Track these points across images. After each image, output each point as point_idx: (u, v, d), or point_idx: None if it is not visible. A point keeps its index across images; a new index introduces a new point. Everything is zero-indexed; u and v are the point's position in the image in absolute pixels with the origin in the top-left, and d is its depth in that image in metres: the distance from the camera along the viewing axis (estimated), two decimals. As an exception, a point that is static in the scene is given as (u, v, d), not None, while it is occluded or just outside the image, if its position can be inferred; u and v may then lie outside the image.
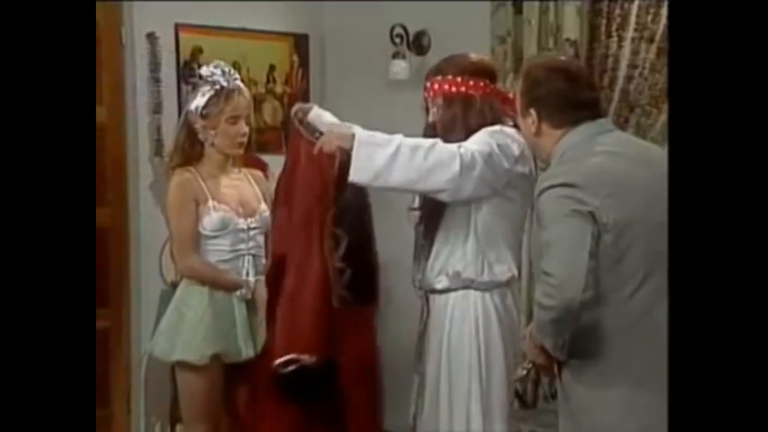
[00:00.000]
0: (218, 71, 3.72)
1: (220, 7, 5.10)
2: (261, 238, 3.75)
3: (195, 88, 3.79)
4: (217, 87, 3.67)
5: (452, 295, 3.36)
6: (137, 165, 4.87)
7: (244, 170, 3.87)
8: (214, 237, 3.65)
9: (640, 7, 4.40)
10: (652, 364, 2.57)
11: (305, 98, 5.57)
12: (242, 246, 3.69)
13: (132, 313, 4.92)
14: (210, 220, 3.63)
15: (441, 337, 3.37)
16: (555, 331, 2.62)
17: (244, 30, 5.27)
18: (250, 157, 4.56)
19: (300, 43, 5.54)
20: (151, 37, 4.92)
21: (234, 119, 3.68)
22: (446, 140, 3.20)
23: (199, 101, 3.68)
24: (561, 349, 2.66)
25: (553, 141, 2.77)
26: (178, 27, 5.05)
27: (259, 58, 5.39)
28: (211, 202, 3.64)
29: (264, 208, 3.76)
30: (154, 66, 4.88)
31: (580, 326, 2.60)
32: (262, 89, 5.41)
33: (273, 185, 3.68)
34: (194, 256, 3.66)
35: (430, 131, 3.34)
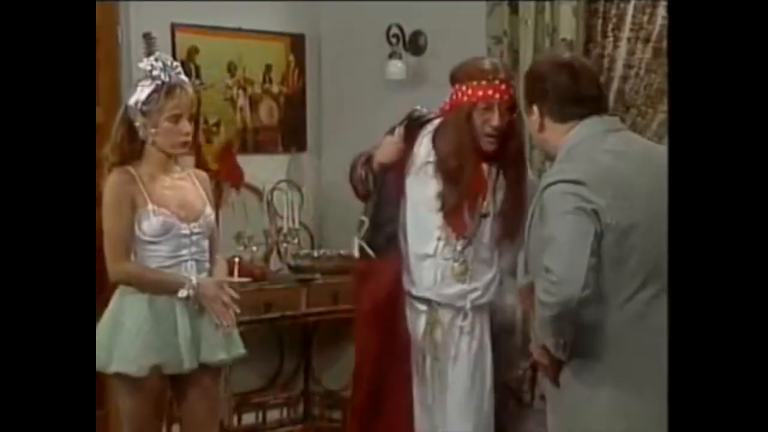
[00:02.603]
0: (159, 64, 3.41)
1: (216, 7, 5.10)
2: (205, 243, 3.50)
3: (137, 81, 3.51)
4: (158, 82, 3.39)
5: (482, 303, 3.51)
6: (133, 165, 4.86)
7: (189, 169, 3.62)
8: (154, 242, 3.40)
9: (635, 7, 4.40)
10: (646, 368, 2.57)
11: (302, 98, 5.58)
12: (184, 251, 3.44)
13: (128, 313, 4.92)
14: (150, 225, 3.38)
15: (478, 345, 3.49)
16: (555, 329, 2.62)
17: (240, 30, 5.27)
18: (232, 164, 4.51)
19: (296, 43, 5.54)
20: (148, 37, 4.91)
21: (175, 117, 3.39)
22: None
23: (138, 96, 3.40)
24: (563, 348, 2.65)
25: (557, 136, 2.74)
26: (174, 27, 5.06)
27: (255, 58, 5.39)
28: (150, 206, 3.39)
29: (209, 212, 3.52)
30: (151, 66, 4.88)
31: (581, 325, 2.60)
32: (258, 89, 5.42)
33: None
34: (128, 262, 3.41)
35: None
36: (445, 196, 3.38)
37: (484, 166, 3.41)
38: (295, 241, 5.31)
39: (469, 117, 3.32)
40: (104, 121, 4.80)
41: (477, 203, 3.40)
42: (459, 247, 3.40)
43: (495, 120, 3.31)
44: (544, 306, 2.57)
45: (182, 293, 3.38)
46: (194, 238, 3.46)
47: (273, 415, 5.44)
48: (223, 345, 3.47)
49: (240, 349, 3.55)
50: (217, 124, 5.22)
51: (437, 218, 3.41)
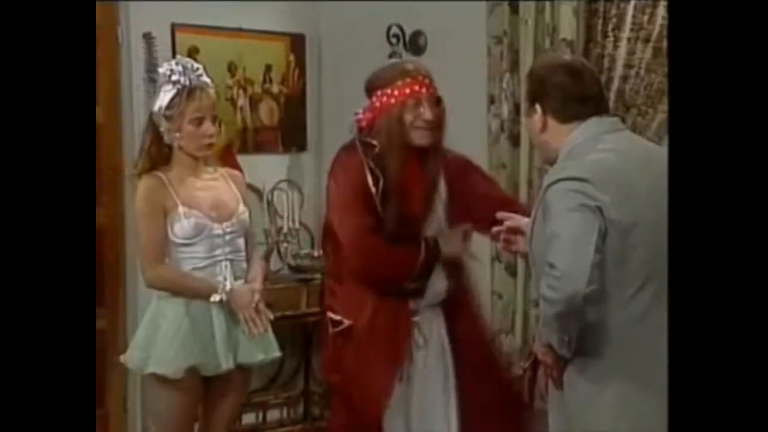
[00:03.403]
0: (179, 68, 3.44)
1: (216, 7, 5.10)
2: (240, 242, 3.53)
3: (159, 86, 3.52)
4: (179, 86, 3.41)
5: None
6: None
7: (221, 170, 3.63)
8: (188, 244, 3.43)
9: (635, 7, 4.40)
10: (649, 366, 2.57)
11: (302, 98, 5.59)
12: (218, 252, 3.46)
13: (128, 313, 4.93)
14: (182, 227, 3.41)
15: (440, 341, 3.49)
16: (560, 326, 2.62)
17: (240, 30, 5.28)
18: (233, 164, 4.48)
19: (297, 43, 5.55)
20: (148, 37, 4.92)
21: (198, 120, 3.42)
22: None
23: (161, 101, 3.43)
24: (567, 345, 2.65)
25: (560, 137, 2.76)
26: (174, 27, 5.06)
27: (255, 58, 5.40)
28: (181, 209, 3.41)
29: (242, 210, 3.55)
30: (151, 66, 4.88)
31: (585, 322, 2.60)
32: (258, 89, 5.42)
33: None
34: (162, 266, 3.44)
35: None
36: (389, 200, 3.37)
37: (417, 163, 3.41)
38: (295, 241, 5.32)
39: (401, 116, 3.34)
40: (104, 121, 4.83)
41: (416, 200, 3.40)
42: None
43: (427, 113, 3.34)
44: (548, 302, 2.57)
45: (215, 297, 3.41)
46: (227, 237, 3.48)
47: (273, 415, 5.44)
48: (261, 346, 3.51)
49: (276, 351, 3.58)
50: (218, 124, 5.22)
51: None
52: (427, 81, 3.38)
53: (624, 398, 2.63)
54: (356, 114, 3.47)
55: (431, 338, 3.46)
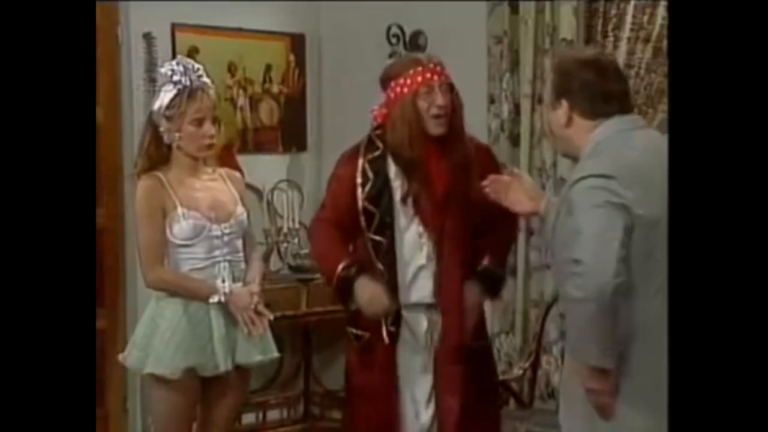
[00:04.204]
0: (180, 68, 3.43)
1: (216, 7, 5.11)
2: (238, 243, 3.52)
3: (160, 86, 3.50)
4: (180, 86, 3.40)
5: None
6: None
7: (219, 170, 3.62)
8: (187, 245, 3.43)
9: (635, 7, 4.42)
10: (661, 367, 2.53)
11: (302, 98, 5.59)
12: (217, 252, 3.45)
13: (128, 313, 4.93)
14: (180, 228, 3.41)
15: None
16: (596, 330, 2.51)
17: (240, 30, 5.28)
18: (233, 164, 4.52)
19: (297, 42, 5.55)
20: (148, 37, 4.93)
21: (198, 121, 3.41)
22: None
23: (161, 101, 3.42)
24: (609, 352, 2.53)
25: (583, 133, 2.72)
26: (174, 27, 5.06)
27: (255, 58, 5.40)
28: (180, 210, 3.40)
29: (241, 211, 3.54)
30: (151, 66, 4.88)
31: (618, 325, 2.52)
32: (258, 89, 5.42)
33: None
34: (162, 268, 3.44)
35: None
36: (409, 191, 3.38)
37: (436, 152, 3.40)
38: (295, 241, 5.31)
39: (414, 104, 3.34)
40: (104, 121, 4.83)
41: (439, 190, 3.39)
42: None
43: (439, 99, 3.34)
44: (577, 304, 2.51)
45: (213, 299, 3.41)
46: (226, 239, 3.48)
47: (273, 415, 5.44)
48: (259, 347, 3.51)
49: (274, 352, 3.58)
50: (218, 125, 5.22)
51: (416, 225, 3.41)
52: (439, 69, 3.38)
53: (650, 397, 2.57)
54: (372, 110, 3.46)
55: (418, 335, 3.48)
